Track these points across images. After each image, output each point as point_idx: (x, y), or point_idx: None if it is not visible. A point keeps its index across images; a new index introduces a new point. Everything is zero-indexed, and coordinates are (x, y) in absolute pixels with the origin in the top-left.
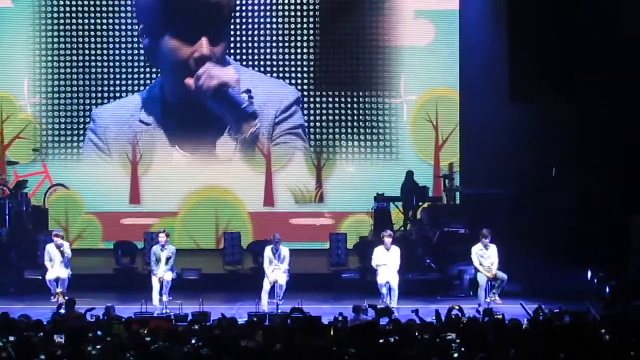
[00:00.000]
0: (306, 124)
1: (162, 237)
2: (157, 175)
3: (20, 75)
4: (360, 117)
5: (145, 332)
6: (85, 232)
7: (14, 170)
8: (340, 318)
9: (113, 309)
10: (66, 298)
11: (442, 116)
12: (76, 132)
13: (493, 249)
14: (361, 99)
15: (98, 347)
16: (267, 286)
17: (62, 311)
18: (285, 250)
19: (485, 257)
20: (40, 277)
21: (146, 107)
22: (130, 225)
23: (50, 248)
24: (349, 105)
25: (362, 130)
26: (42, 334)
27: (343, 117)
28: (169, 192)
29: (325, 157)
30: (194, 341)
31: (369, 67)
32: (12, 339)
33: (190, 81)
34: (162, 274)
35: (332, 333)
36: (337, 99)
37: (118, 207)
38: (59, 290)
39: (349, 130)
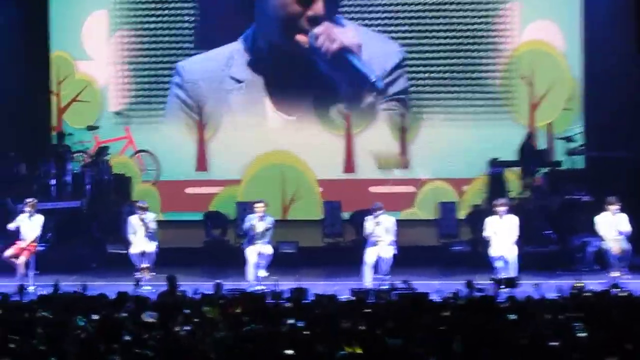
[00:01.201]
0: (409, 87)
1: (260, 207)
2: (228, 138)
3: (84, 29)
4: (461, 75)
5: (239, 311)
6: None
7: (94, 135)
8: (452, 295)
9: (221, 286)
10: (152, 273)
11: (554, 73)
12: (161, 91)
13: (621, 217)
14: (466, 54)
15: (186, 327)
16: (370, 260)
17: (147, 287)
18: (388, 221)
19: (612, 227)
20: (124, 251)
21: (237, 62)
22: (192, 195)
23: (134, 220)
24: (452, 62)
25: (462, 89)
26: (126, 313)
27: (443, 76)
28: (235, 158)
29: (413, 118)
30: (290, 321)
31: (478, 21)
32: (94, 317)
33: (303, 38)
34: (260, 247)
35: (442, 311)
36: (441, 55)
37: (181, 175)
38: (144, 265)
39: (448, 90)
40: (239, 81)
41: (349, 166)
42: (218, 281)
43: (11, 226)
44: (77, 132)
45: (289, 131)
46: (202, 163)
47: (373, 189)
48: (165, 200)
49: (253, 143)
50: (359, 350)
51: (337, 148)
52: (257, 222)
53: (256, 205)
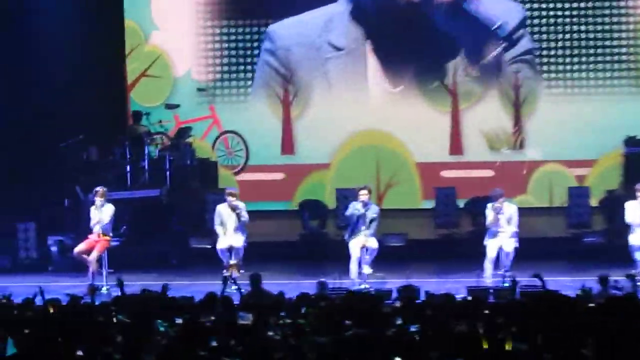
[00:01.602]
0: (537, 49)
1: (365, 194)
2: (319, 116)
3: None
4: (589, 42)
5: (340, 312)
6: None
7: (174, 114)
8: (582, 292)
9: (325, 286)
10: (241, 271)
11: None
12: (248, 63)
13: None
14: (595, 18)
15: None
16: (491, 253)
17: (234, 287)
18: (510, 209)
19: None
20: (209, 246)
21: (337, 26)
22: (274, 182)
23: (222, 209)
24: (578, 27)
25: (589, 58)
26: (213, 316)
27: (566, 43)
28: (325, 139)
29: (529, 90)
30: (399, 322)
31: None
32: (178, 321)
33: None
34: (364, 239)
35: (574, 312)
36: (566, 19)
37: (264, 159)
38: (232, 261)
39: (573, 57)
40: (338, 48)
41: (456, 147)
42: (322, 279)
43: (93, 221)
44: (154, 111)
45: (388, 107)
46: (288, 145)
47: (480, 173)
48: (245, 187)
49: (345, 121)
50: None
51: (441, 126)
52: (362, 211)
53: (361, 192)
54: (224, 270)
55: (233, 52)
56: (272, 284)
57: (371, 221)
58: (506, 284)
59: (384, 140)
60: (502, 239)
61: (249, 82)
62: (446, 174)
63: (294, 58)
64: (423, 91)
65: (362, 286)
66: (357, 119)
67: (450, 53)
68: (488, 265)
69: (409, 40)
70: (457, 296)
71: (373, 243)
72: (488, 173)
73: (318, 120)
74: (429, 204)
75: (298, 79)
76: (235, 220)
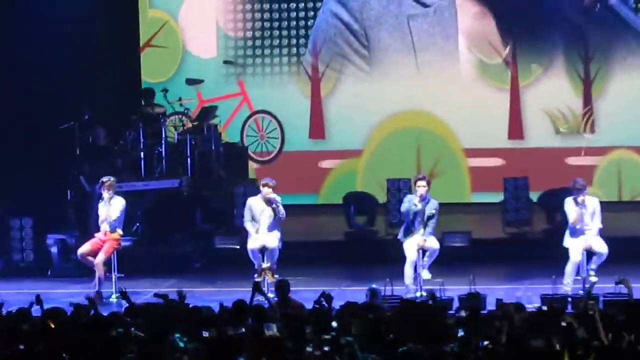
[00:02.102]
0: None
1: (422, 185)
2: (351, 96)
3: None
4: None
5: (392, 324)
6: None
7: (197, 91)
8: None
9: (377, 294)
10: (276, 276)
11: None
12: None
13: None
14: None
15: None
16: (575, 257)
17: (270, 295)
18: (592, 201)
19: None
20: (238, 247)
21: None
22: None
23: (254, 203)
24: None
25: None
26: (243, 328)
27: None
28: (359, 121)
29: (598, 65)
30: (461, 333)
31: None
32: (205, 334)
33: None
34: (421, 239)
35: None
36: None
37: (295, 144)
38: (265, 264)
39: None
40: (425, 4)
41: (515, 130)
42: (373, 286)
43: (100, 217)
44: (173, 87)
45: (432, 84)
46: (317, 127)
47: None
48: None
49: (382, 101)
50: None
51: (498, 106)
52: (419, 206)
53: (418, 183)
54: (255, 275)
55: (266, 13)
56: (311, 290)
57: (429, 218)
58: (588, 292)
59: (427, 123)
60: (589, 238)
61: (285, 52)
62: (500, 162)
63: (372, 14)
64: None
65: (419, 294)
66: (397, 98)
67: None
68: (570, 270)
69: None
70: (529, 306)
71: (432, 243)
72: (549, 160)
73: (355, 98)
74: (480, 197)
75: (374, 39)
76: (270, 216)
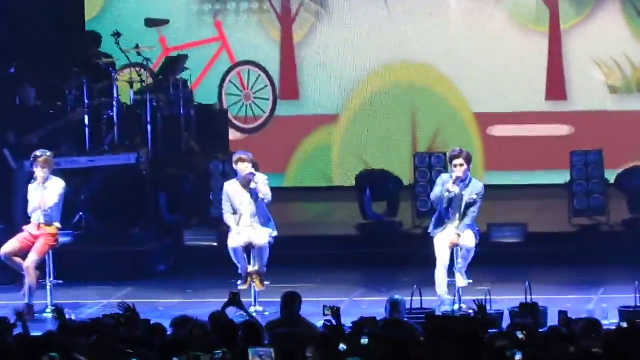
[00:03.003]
0: None
1: (460, 164)
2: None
3: None
4: None
5: (421, 346)
6: None
7: (159, 35)
8: None
9: (400, 306)
10: (266, 283)
11: None
12: None
13: None
14: None
15: None
16: None
17: (256, 308)
18: None
19: None
20: (215, 244)
21: None
22: None
23: (232, 188)
24: None
25: None
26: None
27: None
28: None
29: None
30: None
31: None
32: None
33: None
34: (456, 234)
35: None
36: None
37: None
38: (251, 267)
39: None
40: None
41: (556, 89)
42: (396, 297)
43: (31, 204)
44: (130, 31)
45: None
46: (289, 87)
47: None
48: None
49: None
50: None
51: (531, 56)
52: (455, 190)
53: (455, 161)
54: (239, 282)
55: None
56: (313, 302)
57: (469, 206)
58: None
59: (428, 80)
60: None
61: None
62: (537, 130)
63: None
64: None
65: (455, 306)
66: (386, 46)
67: None
68: None
69: None
70: (605, 322)
71: (467, 240)
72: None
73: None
74: (498, 178)
75: None
76: (251, 202)
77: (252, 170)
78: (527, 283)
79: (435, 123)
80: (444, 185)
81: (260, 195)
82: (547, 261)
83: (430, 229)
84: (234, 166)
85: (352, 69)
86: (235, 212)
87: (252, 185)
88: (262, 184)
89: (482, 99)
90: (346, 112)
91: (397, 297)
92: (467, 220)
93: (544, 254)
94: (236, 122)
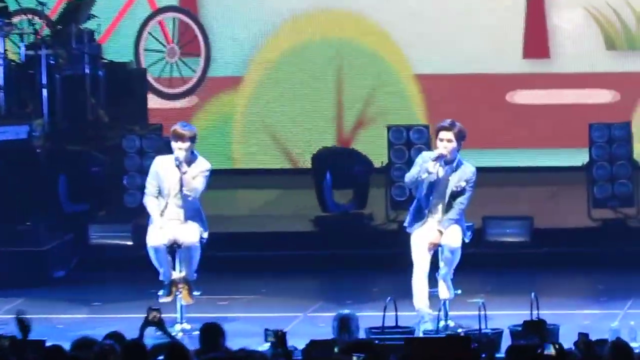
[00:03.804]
0: None
1: (447, 139)
2: None
3: None
4: None
5: None
6: None
7: None
8: None
9: (351, 320)
10: (195, 294)
11: None
12: None
13: None
14: None
15: None
16: None
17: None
18: None
19: None
20: (130, 242)
21: None
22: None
23: (163, 165)
24: None
25: None
26: None
27: None
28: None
29: None
30: None
31: None
32: None
33: None
34: (438, 230)
35: None
36: None
37: None
38: (177, 273)
39: None
40: None
41: (535, 45)
42: (346, 312)
43: None
44: None
45: None
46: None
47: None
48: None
49: None
50: None
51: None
52: (438, 172)
53: (441, 134)
54: (161, 293)
55: None
56: (259, 319)
57: (456, 195)
58: None
59: (356, 32)
60: None
61: None
62: (519, 97)
63: None
64: None
65: (441, 323)
66: None
67: None
68: None
69: None
70: (634, 345)
71: (450, 239)
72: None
73: None
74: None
75: None
76: (178, 188)
77: (181, 154)
78: (532, 294)
79: (366, 88)
80: (422, 165)
81: (184, 189)
82: (559, 265)
83: (407, 224)
84: (172, 141)
85: (260, 16)
86: (162, 196)
87: (182, 172)
88: (192, 176)
89: (431, 56)
90: (251, 74)
91: (346, 312)
92: (452, 213)
93: (555, 256)
94: (157, 86)
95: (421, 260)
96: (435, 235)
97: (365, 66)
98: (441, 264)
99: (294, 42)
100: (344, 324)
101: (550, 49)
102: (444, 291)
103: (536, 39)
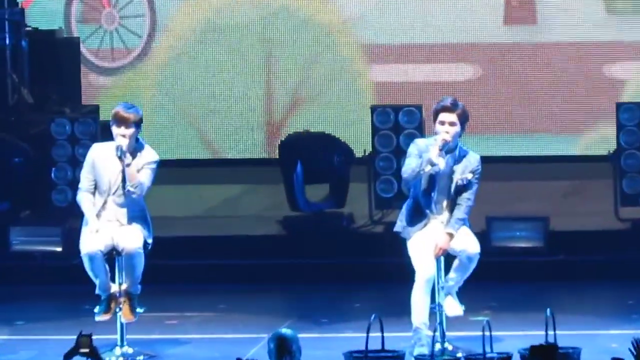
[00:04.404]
0: None
1: (449, 122)
2: None
3: None
4: None
5: None
6: None
7: None
8: None
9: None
10: (138, 311)
11: None
12: None
13: None
14: None
15: None
16: None
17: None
18: None
19: None
20: (59, 249)
21: None
22: None
23: (100, 154)
24: None
25: None
26: None
27: None
28: None
29: None
30: None
31: None
32: None
33: None
34: (442, 235)
35: None
36: None
37: None
38: (116, 286)
39: None
40: None
41: (520, 7)
42: (283, 331)
43: None
44: None
45: None
46: None
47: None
48: None
49: None
50: None
51: None
52: (440, 163)
53: (441, 116)
54: (98, 309)
55: None
56: (216, 340)
57: (461, 190)
58: None
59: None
60: None
61: None
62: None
63: None
64: None
65: (437, 346)
66: None
67: None
68: None
69: None
70: None
71: (465, 243)
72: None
73: None
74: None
75: None
76: (121, 182)
77: (124, 142)
78: (548, 310)
79: (300, 62)
80: (420, 155)
81: (128, 185)
82: (579, 276)
83: (400, 227)
84: (111, 127)
85: None
86: (99, 193)
87: (124, 164)
88: (136, 168)
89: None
90: (159, 45)
91: (284, 330)
92: (460, 212)
93: (575, 265)
94: (93, 59)
95: (426, 268)
96: (443, 239)
97: (297, 37)
98: (452, 274)
99: (214, 9)
100: (283, 347)
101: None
102: (454, 306)
103: (520, 1)
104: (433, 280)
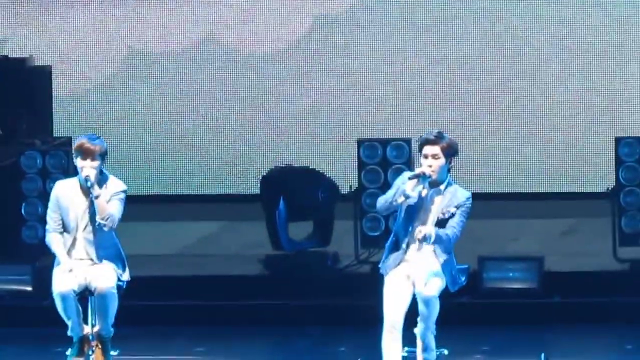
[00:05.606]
0: None
1: (432, 155)
2: None
3: None
4: None
5: None
6: None
7: None
8: None
9: None
10: (112, 354)
11: None
12: None
13: None
14: None
15: None
16: None
17: None
18: None
19: None
20: (29, 288)
21: None
22: None
23: (65, 193)
24: None
25: None
26: None
27: None
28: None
29: None
30: None
31: None
32: None
33: None
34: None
35: None
36: None
37: None
38: (89, 328)
39: None
40: None
41: None
42: None
43: None
44: None
45: None
46: None
47: None
48: None
49: None
50: None
51: None
52: (417, 193)
53: (425, 148)
54: (69, 352)
55: None
56: None
57: (444, 223)
58: None
59: None
60: None
61: None
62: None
63: None
64: None
65: None
66: None
67: None
68: None
69: None
70: None
71: (427, 287)
72: None
73: None
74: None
75: None
76: (87, 218)
77: (91, 173)
78: (542, 355)
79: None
80: (400, 187)
81: (98, 217)
82: (575, 319)
83: (380, 264)
84: (75, 158)
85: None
86: (67, 231)
87: (92, 196)
88: (106, 200)
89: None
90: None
91: None
92: (443, 231)
93: (571, 307)
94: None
95: (392, 311)
96: (412, 269)
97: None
98: (418, 324)
99: None
100: None
101: None
102: (427, 355)
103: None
104: (400, 326)
